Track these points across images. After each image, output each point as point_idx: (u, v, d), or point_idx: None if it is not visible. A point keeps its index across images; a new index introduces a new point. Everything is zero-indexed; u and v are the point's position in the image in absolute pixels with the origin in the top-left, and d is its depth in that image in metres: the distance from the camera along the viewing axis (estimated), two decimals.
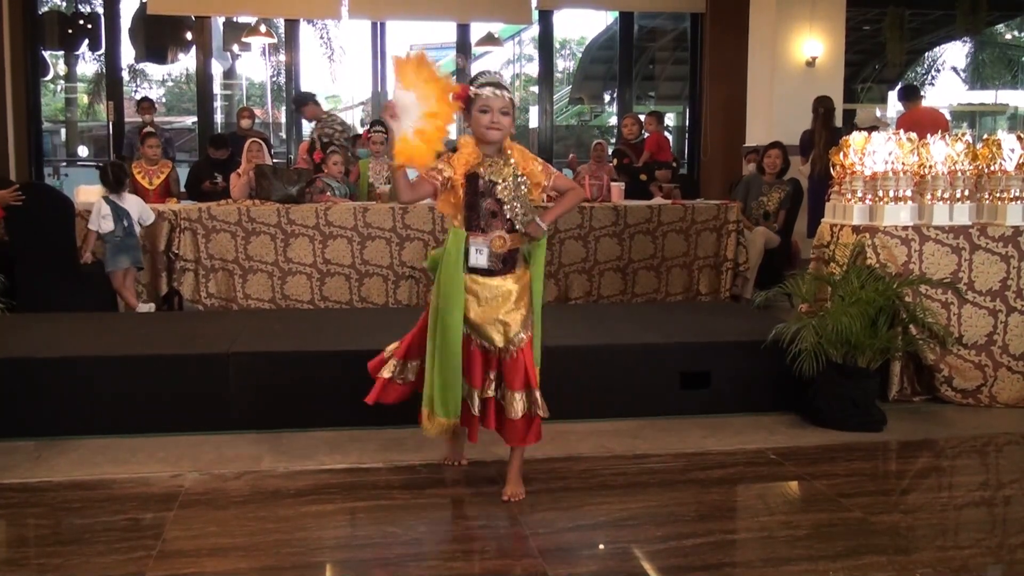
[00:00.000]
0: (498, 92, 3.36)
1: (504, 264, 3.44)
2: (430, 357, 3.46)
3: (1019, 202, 5.03)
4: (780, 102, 9.87)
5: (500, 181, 3.41)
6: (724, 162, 11.50)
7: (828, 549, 3.13)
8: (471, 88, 3.38)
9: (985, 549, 3.22)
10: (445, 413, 3.47)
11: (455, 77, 13.69)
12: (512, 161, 3.46)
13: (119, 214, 6.44)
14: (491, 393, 3.46)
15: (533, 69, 18.41)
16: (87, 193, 7.21)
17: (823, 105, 8.55)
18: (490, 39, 13.33)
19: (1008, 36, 19.65)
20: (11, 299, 5.63)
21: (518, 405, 3.42)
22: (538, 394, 3.45)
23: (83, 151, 16.34)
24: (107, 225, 6.42)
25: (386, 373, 3.67)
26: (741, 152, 10.48)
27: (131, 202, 6.57)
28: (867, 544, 3.20)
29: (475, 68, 13.46)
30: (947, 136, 5.18)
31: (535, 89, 14.62)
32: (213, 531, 3.25)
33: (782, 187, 7.86)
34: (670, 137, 11.53)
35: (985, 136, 5.21)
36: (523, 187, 3.45)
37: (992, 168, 5.10)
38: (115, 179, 6.52)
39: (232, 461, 3.96)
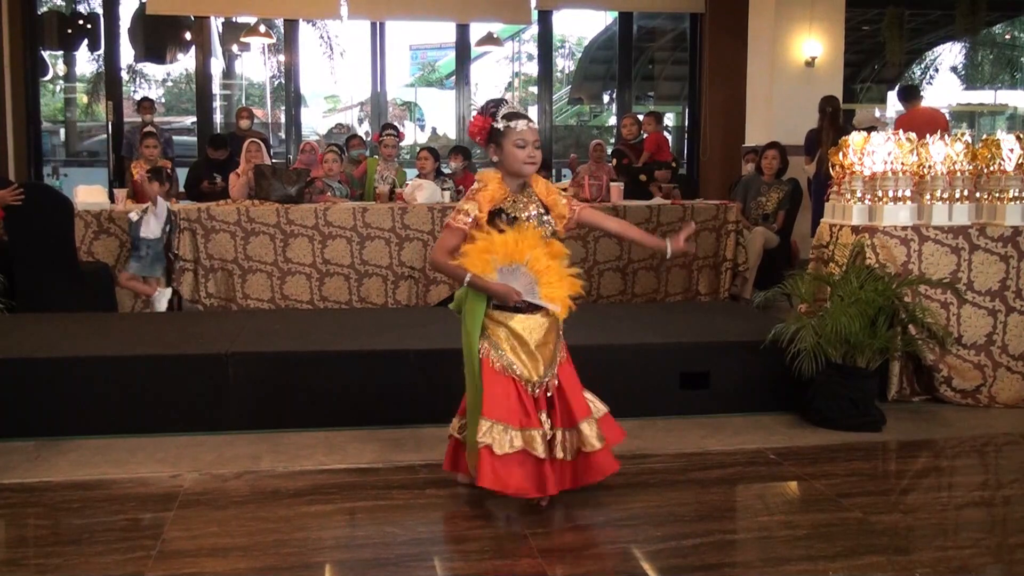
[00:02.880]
0: (531, 124, 3.32)
1: (529, 305, 3.32)
2: (470, 398, 3.39)
3: (1018, 202, 5.03)
4: (779, 102, 9.88)
5: (524, 218, 3.31)
6: (723, 162, 11.50)
7: (827, 549, 3.14)
8: (496, 120, 3.31)
9: (984, 549, 3.23)
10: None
11: (453, 78, 13.76)
12: (535, 196, 3.38)
13: (171, 223, 6.48)
14: (549, 432, 3.32)
15: (532, 69, 18.43)
16: (86, 193, 7.20)
17: (830, 104, 8.55)
18: (489, 39, 13.33)
19: (1007, 36, 19.65)
20: (10, 299, 5.63)
21: (591, 434, 3.35)
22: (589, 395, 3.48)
23: (82, 151, 16.32)
24: (156, 230, 6.44)
25: (452, 430, 3.59)
26: (740, 152, 10.48)
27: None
28: (866, 544, 3.20)
29: (473, 71, 13.47)
30: (946, 136, 5.19)
31: (534, 89, 14.63)
32: (212, 531, 3.25)
33: (781, 187, 7.86)
34: (669, 137, 11.53)
35: (984, 136, 5.21)
36: (548, 225, 3.36)
37: (991, 168, 5.10)
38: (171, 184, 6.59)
39: (231, 461, 3.96)
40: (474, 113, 3.43)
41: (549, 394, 3.33)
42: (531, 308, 3.29)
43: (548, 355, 3.32)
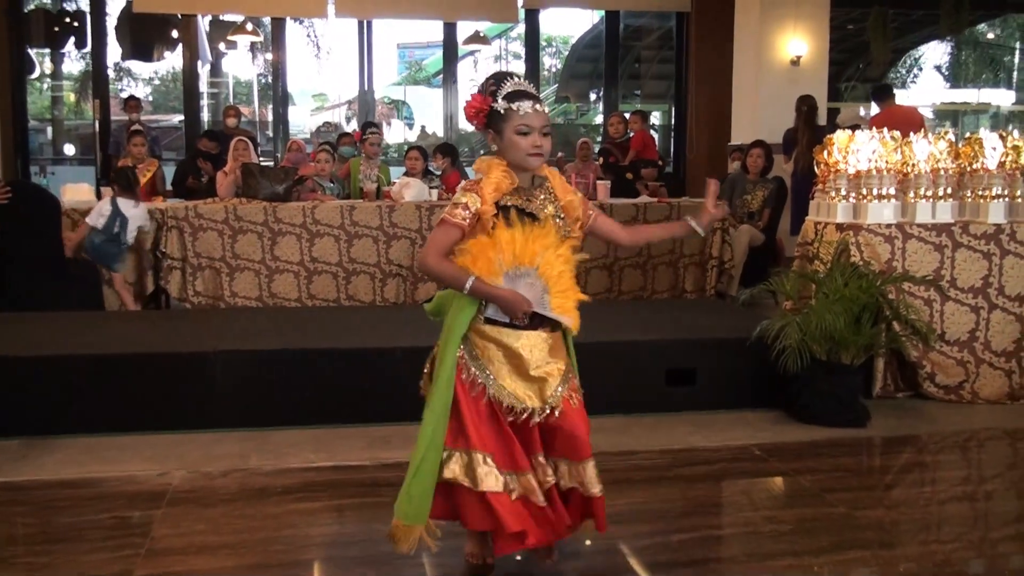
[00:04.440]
0: (538, 107, 2.70)
1: (532, 319, 2.71)
2: (430, 428, 2.73)
3: (1001, 200, 5.05)
4: (765, 101, 9.89)
5: (543, 218, 2.70)
6: (710, 160, 11.52)
7: (812, 544, 3.15)
8: (496, 100, 2.70)
9: (967, 543, 3.25)
10: (404, 514, 2.73)
11: (440, 76, 13.74)
12: (552, 192, 2.79)
13: (116, 219, 6.42)
14: (550, 479, 2.73)
15: (519, 68, 18.40)
16: (74, 192, 7.17)
17: (806, 104, 8.59)
18: (477, 38, 13.32)
19: (990, 35, 19.75)
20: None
21: (593, 477, 2.71)
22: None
23: (69, 149, 16.24)
24: (98, 222, 6.40)
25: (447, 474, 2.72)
26: (726, 151, 10.50)
27: (138, 212, 6.52)
28: (851, 539, 3.22)
29: (460, 69, 13.44)
30: (930, 135, 5.21)
31: None
32: (201, 529, 3.24)
33: (766, 186, 7.88)
34: (656, 136, 11.55)
35: (967, 135, 5.24)
36: (564, 230, 2.75)
37: (974, 166, 5.12)
38: (128, 184, 6.51)
39: (219, 459, 3.95)
40: (472, 92, 2.83)
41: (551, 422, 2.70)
42: (535, 323, 2.71)
43: (558, 373, 2.73)
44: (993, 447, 4.45)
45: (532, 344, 2.71)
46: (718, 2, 11.07)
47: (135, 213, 6.49)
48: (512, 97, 2.68)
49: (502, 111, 2.68)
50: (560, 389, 2.71)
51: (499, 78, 2.74)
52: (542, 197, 2.74)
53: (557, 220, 2.73)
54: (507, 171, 2.69)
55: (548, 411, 2.68)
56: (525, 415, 2.67)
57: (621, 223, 3.06)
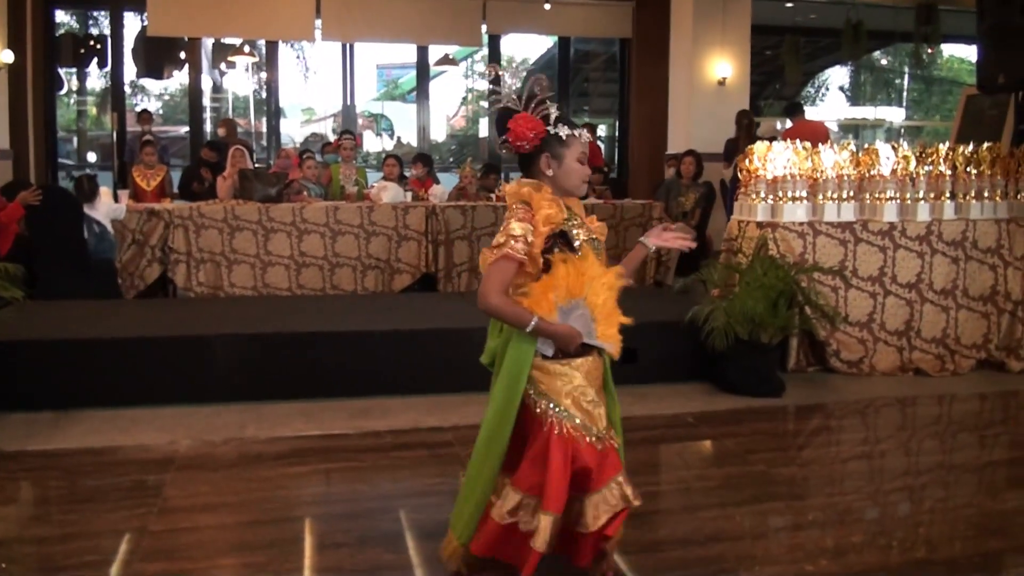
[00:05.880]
0: (590, 136, 2.36)
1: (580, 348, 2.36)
2: (485, 458, 2.37)
3: (894, 202, 5.12)
4: (696, 115, 9.90)
5: (582, 242, 2.35)
6: (649, 167, 11.51)
7: (736, 497, 3.18)
8: (552, 125, 2.30)
9: (864, 495, 3.29)
10: (458, 533, 2.41)
11: (414, 93, 13.63)
12: (575, 216, 2.39)
13: (86, 222, 6.34)
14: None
15: (483, 86, 18.35)
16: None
17: (746, 117, 8.59)
18: (446, 60, 13.22)
19: (883, 61, 19.98)
20: (30, 288, 5.48)
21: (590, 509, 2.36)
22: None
23: (91, 157, 15.94)
24: (84, 227, 6.34)
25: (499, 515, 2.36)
26: (663, 158, 10.52)
27: (101, 211, 6.41)
28: (768, 492, 3.25)
29: (432, 87, 13.35)
30: (834, 146, 5.26)
31: (484, 103, 14.54)
32: (205, 490, 3.21)
33: (698, 189, 7.91)
34: (602, 145, 11.52)
35: (866, 146, 5.29)
36: (602, 250, 2.42)
37: (872, 173, 5.18)
38: (89, 191, 6.39)
39: (220, 429, 3.91)
40: (501, 107, 2.39)
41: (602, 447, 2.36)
42: (584, 350, 2.38)
43: (604, 401, 2.46)
44: (887, 413, 4.51)
45: (588, 370, 2.39)
46: (656, 31, 11.05)
47: (100, 212, 6.37)
48: (572, 124, 2.32)
49: (564, 136, 2.30)
50: (605, 423, 2.40)
51: (540, 102, 2.32)
52: (576, 222, 2.37)
53: (594, 242, 2.39)
54: (554, 200, 2.29)
55: (604, 440, 2.37)
56: (596, 440, 2.33)
57: None
